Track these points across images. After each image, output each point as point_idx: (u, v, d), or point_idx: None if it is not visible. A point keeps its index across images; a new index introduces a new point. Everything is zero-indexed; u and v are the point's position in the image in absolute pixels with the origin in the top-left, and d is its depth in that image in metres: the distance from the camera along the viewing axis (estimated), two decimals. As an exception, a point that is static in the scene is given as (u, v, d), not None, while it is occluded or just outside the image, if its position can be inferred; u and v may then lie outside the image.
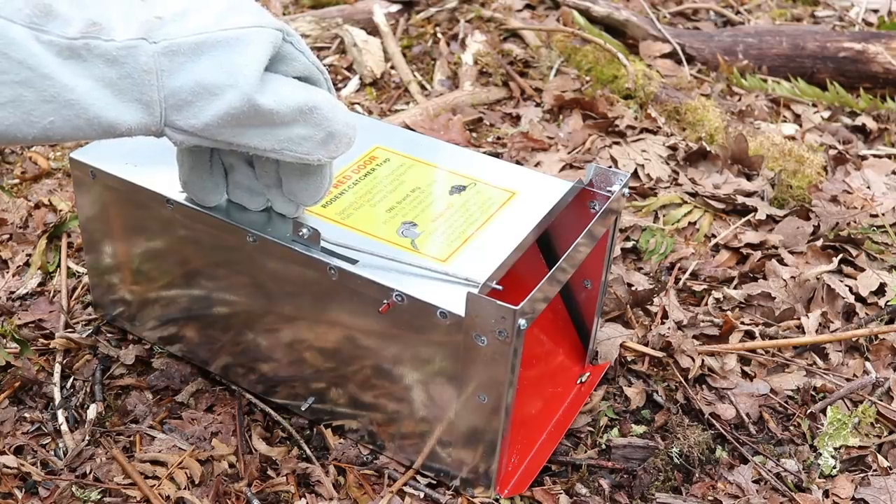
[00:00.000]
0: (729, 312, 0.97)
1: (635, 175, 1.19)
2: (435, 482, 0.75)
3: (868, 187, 1.21)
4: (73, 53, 0.53)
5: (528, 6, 1.65)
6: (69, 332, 0.89)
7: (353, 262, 0.67)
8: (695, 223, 1.12)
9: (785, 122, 1.38)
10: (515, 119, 1.33)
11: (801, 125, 1.37)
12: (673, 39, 1.50)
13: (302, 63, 0.60)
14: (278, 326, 0.75)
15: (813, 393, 0.87)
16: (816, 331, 0.95)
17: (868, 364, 0.92)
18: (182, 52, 0.55)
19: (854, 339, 0.94)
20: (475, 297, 0.61)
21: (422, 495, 0.74)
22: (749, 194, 1.15)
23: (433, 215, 0.72)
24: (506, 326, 0.61)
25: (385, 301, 0.66)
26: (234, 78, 0.56)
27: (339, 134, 0.61)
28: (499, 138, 1.27)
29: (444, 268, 0.67)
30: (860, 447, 0.82)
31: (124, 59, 0.54)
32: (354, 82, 1.40)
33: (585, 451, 0.80)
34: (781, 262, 1.05)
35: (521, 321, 0.61)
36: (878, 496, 0.77)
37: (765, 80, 1.47)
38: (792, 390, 0.88)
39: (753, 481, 0.78)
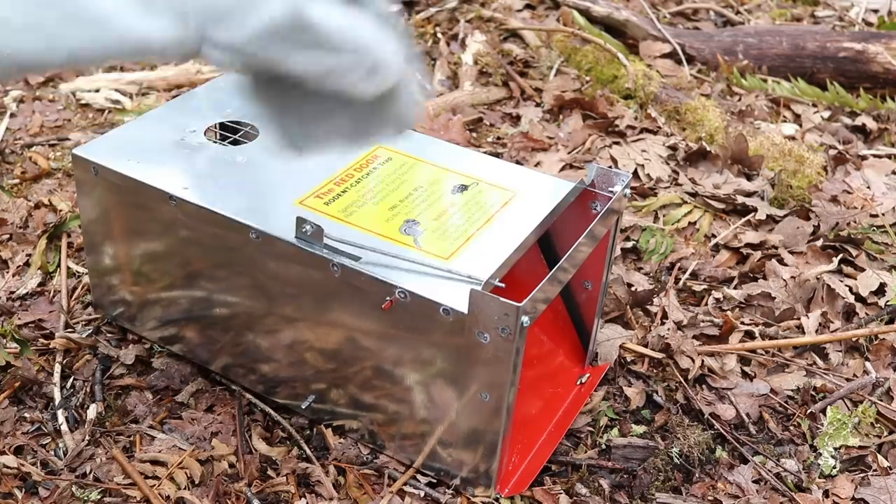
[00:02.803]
0: (729, 312, 0.97)
1: (635, 175, 1.19)
2: (435, 481, 0.75)
3: (868, 187, 1.21)
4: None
5: (528, 6, 1.65)
6: (69, 332, 0.89)
7: (356, 258, 0.67)
8: (695, 223, 1.12)
9: (785, 122, 1.38)
10: (515, 119, 1.33)
11: (801, 125, 1.37)
12: (673, 39, 1.50)
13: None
14: (280, 325, 0.75)
15: (813, 393, 0.87)
16: (816, 331, 0.95)
17: (868, 364, 0.92)
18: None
19: (854, 339, 0.94)
20: (479, 294, 0.61)
21: (422, 494, 0.74)
22: (749, 194, 1.16)
23: (435, 214, 0.72)
24: (509, 323, 0.61)
25: (388, 298, 0.66)
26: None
27: (384, 64, 0.55)
28: (499, 138, 1.27)
29: (447, 265, 0.67)
30: (860, 447, 0.82)
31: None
32: (354, 82, 1.40)
33: (585, 451, 0.80)
34: (781, 262, 1.05)
35: (524, 318, 0.61)
36: (878, 496, 0.77)
37: (765, 80, 1.47)
38: (792, 390, 0.88)
39: (753, 481, 0.78)
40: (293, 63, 0.53)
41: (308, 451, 0.77)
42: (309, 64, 0.53)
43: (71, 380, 0.84)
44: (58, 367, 0.85)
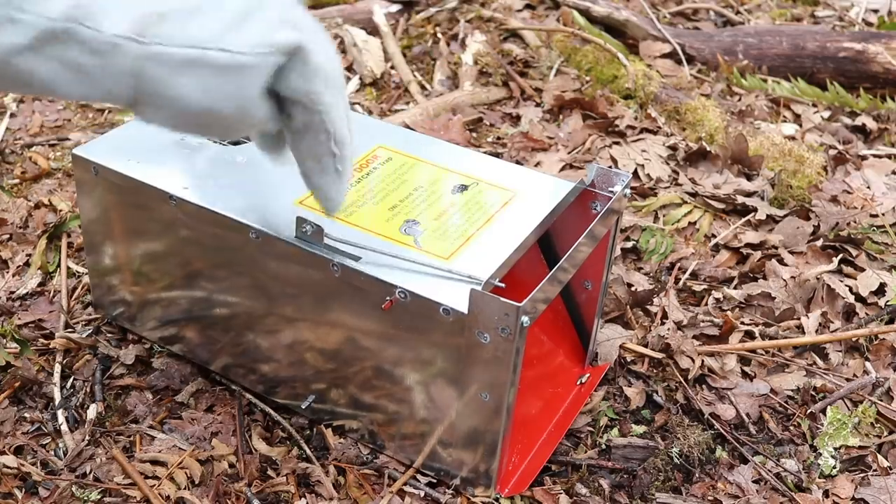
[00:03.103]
0: (729, 312, 0.97)
1: (635, 175, 1.19)
2: (435, 481, 0.75)
3: (868, 187, 1.21)
4: (51, 35, 0.47)
5: (528, 6, 1.65)
6: (69, 332, 0.89)
7: (357, 258, 0.67)
8: (695, 223, 1.12)
9: (785, 122, 1.38)
10: (515, 119, 1.33)
11: (801, 125, 1.37)
12: (673, 39, 1.50)
13: (294, 86, 0.55)
14: (280, 325, 0.75)
15: (813, 393, 0.87)
16: (816, 331, 0.95)
17: (868, 364, 0.92)
18: (170, 64, 0.50)
19: (854, 339, 0.94)
20: (479, 294, 0.61)
21: (422, 494, 0.74)
22: (749, 194, 1.16)
23: (435, 214, 0.72)
24: (509, 323, 0.61)
25: (388, 298, 0.66)
26: (216, 110, 0.52)
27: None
28: (499, 138, 1.27)
29: (447, 265, 0.67)
30: (860, 447, 0.82)
31: (104, 54, 0.49)
32: (354, 82, 1.40)
33: (585, 451, 0.80)
34: (781, 262, 1.05)
35: (524, 318, 0.61)
36: (878, 496, 0.77)
37: (765, 80, 1.47)
38: (792, 390, 0.88)
39: (753, 481, 0.78)
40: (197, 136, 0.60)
41: (308, 451, 0.77)
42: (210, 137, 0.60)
43: (71, 380, 0.84)
44: (58, 367, 0.85)
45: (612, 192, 0.76)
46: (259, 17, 0.52)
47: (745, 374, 0.90)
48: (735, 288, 1.02)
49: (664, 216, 1.12)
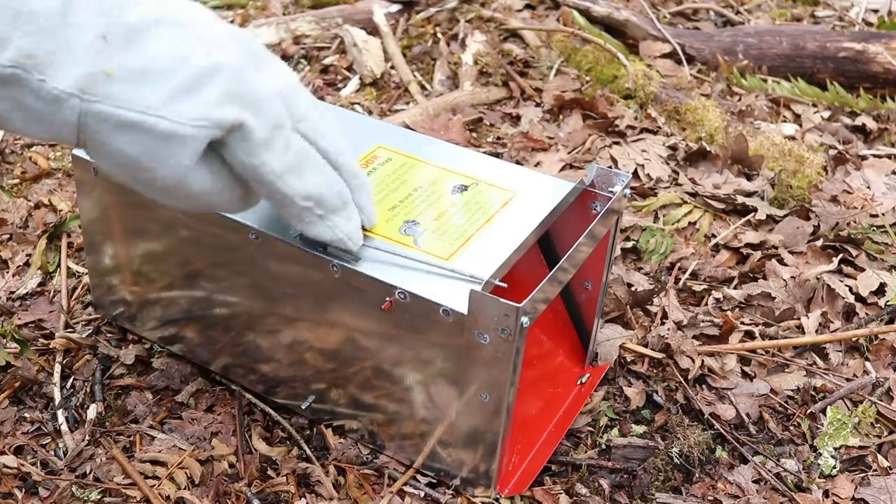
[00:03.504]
0: (729, 312, 0.97)
1: (635, 175, 1.19)
2: (435, 481, 0.75)
3: (868, 187, 1.21)
4: (1, 79, 0.49)
5: (528, 6, 1.65)
6: (69, 332, 0.89)
7: (356, 259, 0.67)
8: (695, 223, 1.12)
9: (785, 122, 1.38)
10: (515, 119, 1.33)
11: (801, 125, 1.37)
12: (673, 39, 1.50)
13: (238, 159, 0.57)
14: (280, 326, 0.75)
15: (813, 393, 0.87)
16: (816, 331, 0.95)
17: (868, 364, 0.92)
18: (111, 123, 0.52)
19: (854, 339, 0.94)
20: (478, 295, 0.61)
21: (422, 495, 0.74)
22: (749, 194, 1.16)
23: (435, 214, 0.72)
24: (508, 324, 0.61)
25: (388, 298, 0.66)
26: (152, 169, 0.54)
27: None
28: (499, 138, 1.27)
29: (447, 266, 0.67)
30: (860, 447, 0.82)
31: (51, 103, 0.51)
32: (354, 82, 1.40)
33: (585, 451, 0.80)
34: (781, 262, 1.05)
35: (524, 319, 0.61)
36: (878, 496, 0.77)
37: (765, 80, 1.47)
38: (792, 390, 0.88)
39: (753, 481, 0.78)
40: (148, 195, 0.59)
41: (308, 451, 0.77)
42: (163, 200, 0.59)
43: (71, 380, 0.84)
44: (58, 367, 0.85)
45: (612, 192, 0.76)
46: (207, 88, 0.53)
47: (745, 374, 0.90)
48: (735, 288, 1.02)
49: (664, 216, 1.12)
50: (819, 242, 1.08)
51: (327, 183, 0.62)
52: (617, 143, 1.25)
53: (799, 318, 0.97)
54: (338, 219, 0.63)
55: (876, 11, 1.80)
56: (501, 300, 0.60)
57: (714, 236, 1.10)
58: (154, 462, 0.76)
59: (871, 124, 1.37)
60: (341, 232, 0.64)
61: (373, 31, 1.51)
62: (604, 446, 0.80)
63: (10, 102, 0.51)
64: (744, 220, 1.12)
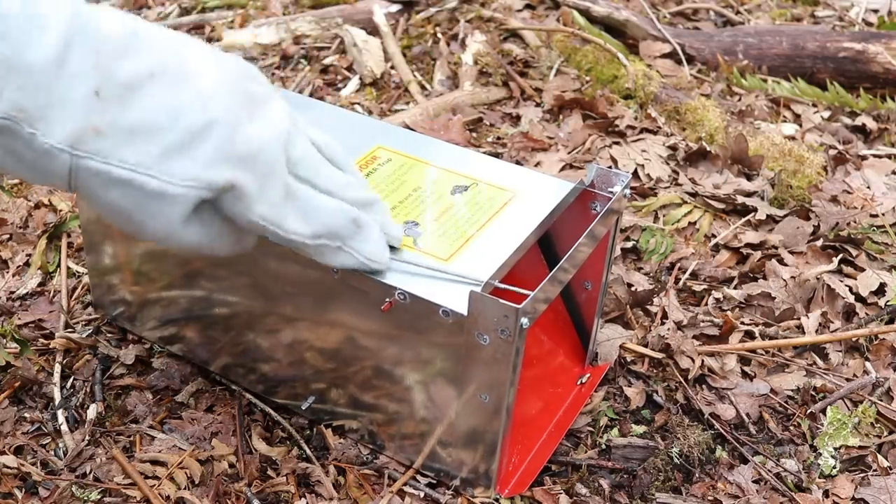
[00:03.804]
0: (729, 312, 0.97)
1: (635, 175, 1.19)
2: (435, 482, 0.75)
3: (868, 187, 1.21)
4: None
5: (528, 6, 1.65)
6: (69, 332, 0.89)
7: (384, 270, 0.67)
8: (695, 223, 1.12)
9: (785, 122, 1.38)
10: (515, 119, 1.33)
11: (801, 125, 1.37)
12: (673, 39, 1.50)
13: (234, 214, 0.57)
14: (280, 326, 0.75)
15: (813, 393, 0.87)
16: (816, 331, 0.95)
17: (868, 364, 0.92)
18: (102, 178, 0.52)
19: (854, 339, 0.94)
20: (478, 296, 0.61)
21: (422, 495, 0.74)
22: (749, 194, 1.16)
23: (435, 215, 0.72)
24: (508, 325, 0.61)
25: (387, 299, 0.66)
26: (143, 224, 0.55)
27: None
28: (499, 138, 1.27)
29: (447, 267, 0.67)
30: (860, 447, 0.82)
31: (42, 155, 0.51)
32: (354, 82, 1.40)
33: (585, 451, 0.80)
34: (781, 262, 1.05)
35: (524, 320, 0.61)
36: (878, 496, 0.77)
37: (765, 80, 1.47)
38: (792, 390, 0.88)
39: (753, 481, 0.78)
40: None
41: (308, 451, 0.77)
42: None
43: (71, 380, 0.84)
44: (58, 367, 0.85)
45: (611, 192, 0.76)
46: (199, 147, 0.53)
47: (745, 374, 0.90)
48: (735, 288, 1.02)
49: (664, 216, 1.12)
50: (819, 242, 1.08)
51: (334, 214, 0.61)
52: (617, 143, 1.25)
53: (799, 318, 0.97)
54: (356, 244, 0.63)
55: (876, 11, 1.79)
56: (501, 301, 0.60)
57: (714, 236, 1.10)
58: (154, 462, 0.76)
59: (871, 124, 1.37)
60: (362, 256, 0.64)
61: (373, 31, 1.51)
62: (604, 446, 0.80)
63: (2, 150, 0.51)
64: (744, 220, 1.12)
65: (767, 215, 1.12)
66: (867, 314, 0.98)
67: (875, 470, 0.80)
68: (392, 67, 1.44)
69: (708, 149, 1.22)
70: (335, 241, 0.62)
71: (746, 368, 0.90)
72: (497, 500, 0.73)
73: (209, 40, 1.51)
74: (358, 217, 0.63)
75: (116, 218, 0.56)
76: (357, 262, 0.64)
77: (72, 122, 0.50)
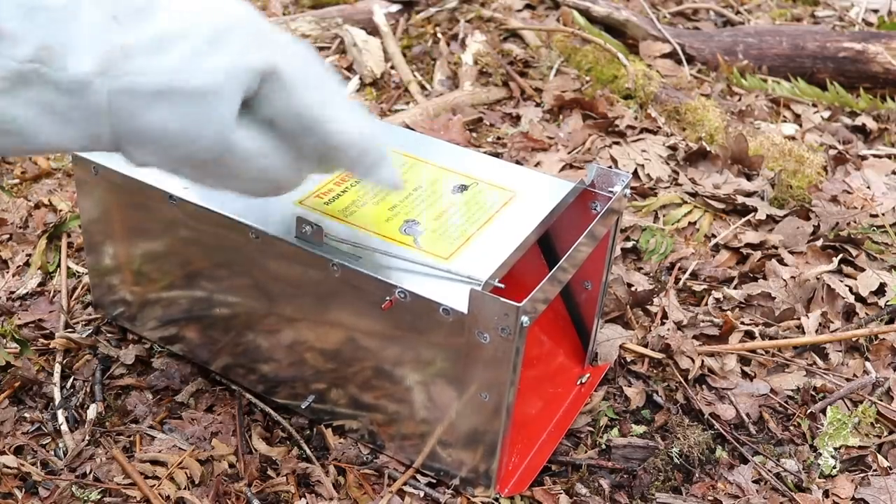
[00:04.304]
0: (729, 312, 0.97)
1: (635, 175, 1.19)
2: (435, 481, 0.75)
3: (868, 187, 1.21)
4: (22, 78, 0.48)
5: (528, 6, 1.65)
6: (69, 332, 0.89)
7: (356, 258, 0.67)
8: (695, 223, 1.12)
9: (785, 122, 1.38)
10: (515, 119, 1.33)
11: (801, 125, 1.37)
12: (673, 39, 1.50)
13: (279, 108, 0.55)
14: (280, 325, 0.75)
15: (813, 393, 0.87)
16: (816, 331, 0.95)
17: (868, 364, 0.92)
18: (142, 95, 0.50)
19: (854, 339, 0.94)
20: (478, 294, 0.61)
21: (422, 494, 0.74)
22: (749, 194, 1.16)
23: (435, 214, 0.72)
24: (509, 323, 0.61)
25: (388, 298, 0.66)
26: (195, 136, 0.52)
27: (280, 187, 0.59)
28: (499, 138, 1.27)
29: (447, 265, 0.67)
30: (860, 447, 0.82)
31: (76, 93, 0.49)
32: (354, 82, 1.40)
33: (585, 451, 0.80)
34: (781, 262, 1.05)
35: (524, 318, 0.61)
36: (878, 496, 0.77)
37: (765, 80, 1.47)
38: (792, 390, 0.88)
39: (753, 481, 0.78)
40: (198, 180, 0.57)
41: (308, 451, 0.77)
42: (214, 183, 0.57)
43: (71, 380, 0.84)
44: (58, 367, 0.85)
45: (611, 192, 0.76)
46: (229, 40, 0.52)
47: (745, 374, 0.90)
48: (735, 288, 1.02)
49: (664, 216, 1.12)
50: (819, 242, 1.08)
51: (371, 126, 0.59)
52: (617, 143, 1.25)
53: (799, 318, 0.97)
54: (385, 168, 0.61)
55: (876, 11, 1.80)
56: (502, 300, 0.60)
57: (714, 236, 1.10)
58: (154, 462, 0.76)
59: (871, 124, 1.37)
60: (394, 176, 0.62)
61: (373, 31, 1.51)
62: (604, 446, 0.80)
63: (35, 107, 0.49)
64: (744, 220, 1.12)
65: (767, 215, 1.12)
66: (867, 314, 0.98)
67: (875, 470, 0.80)
68: (392, 67, 1.44)
69: (708, 149, 1.23)
70: (370, 155, 0.59)
71: (746, 368, 0.90)
72: (497, 499, 0.73)
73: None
74: (381, 140, 0.60)
75: (168, 151, 0.53)
76: (394, 178, 0.61)
77: (98, 47, 0.49)
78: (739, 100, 1.42)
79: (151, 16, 0.52)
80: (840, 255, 1.06)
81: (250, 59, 0.52)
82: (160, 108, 0.51)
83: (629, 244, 1.07)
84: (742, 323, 0.96)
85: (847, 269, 1.05)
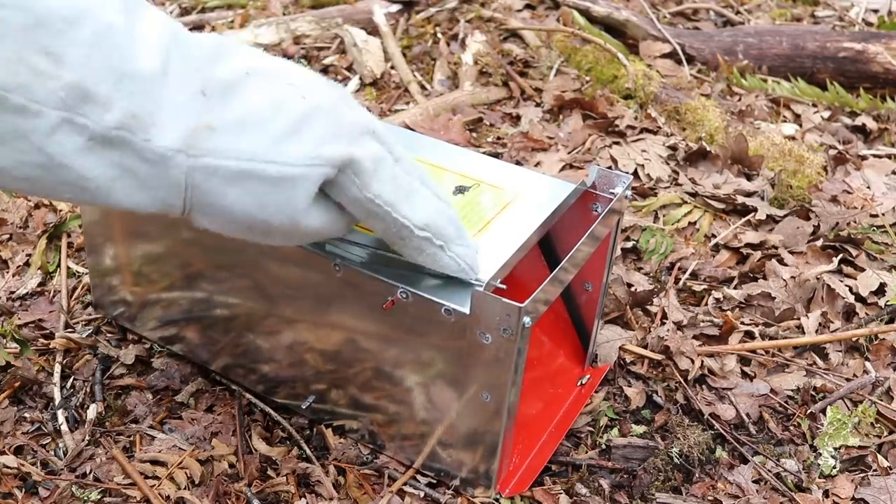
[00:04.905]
0: (729, 312, 0.97)
1: (635, 175, 1.19)
2: (435, 482, 0.75)
3: (868, 187, 1.21)
4: (107, 141, 0.49)
5: (528, 6, 1.65)
6: (69, 332, 0.89)
7: (358, 258, 0.67)
8: (695, 223, 1.12)
9: (785, 122, 1.38)
10: (515, 119, 1.33)
11: (801, 125, 1.37)
12: (673, 39, 1.50)
13: (352, 197, 0.57)
14: (280, 326, 0.75)
15: (813, 393, 0.87)
16: (816, 331, 0.95)
17: (868, 364, 0.92)
18: (221, 176, 0.52)
19: (854, 339, 0.94)
20: (481, 295, 0.61)
21: (422, 495, 0.74)
22: (749, 194, 1.16)
23: (435, 215, 0.72)
24: (511, 324, 0.61)
25: (389, 298, 0.66)
26: (268, 217, 0.54)
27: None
28: (499, 138, 1.27)
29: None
30: (860, 447, 0.82)
31: (156, 164, 0.50)
32: (354, 82, 1.40)
33: (586, 452, 0.80)
34: (781, 262, 1.05)
35: (526, 319, 0.61)
36: (878, 496, 0.77)
37: (765, 80, 1.47)
38: (792, 390, 0.88)
39: (753, 481, 0.78)
40: (253, 239, 0.58)
41: (308, 451, 0.77)
42: (268, 242, 0.59)
43: (71, 380, 0.84)
44: (58, 367, 0.85)
45: (612, 193, 0.76)
46: (310, 129, 0.54)
47: (744, 375, 0.90)
48: (735, 288, 1.02)
49: (664, 216, 1.12)
50: (819, 242, 1.08)
51: (439, 210, 0.61)
52: (617, 143, 1.25)
53: (799, 318, 0.97)
54: (458, 248, 0.62)
55: (876, 11, 1.80)
56: (504, 300, 0.60)
57: (714, 236, 1.10)
58: (154, 462, 0.76)
59: (871, 124, 1.37)
60: (463, 262, 0.63)
61: (373, 31, 1.51)
62: (604, 446, 0.80)
63: (115, 168, 0.50)
64: (744, 220, 1.12)
65: (767, 215, 1.12)
66: (867, 314, 0.98)
67: (875, 470, 0.80)
68: (392, 67, 1.44)
69: (708, 149, 1.23)
70: (438, 240, 0.61)
71: (746, 368, 0.90)
72: (497, 500, 0.73)
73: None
74: (456, 220, 0.62)
75: (237, 224, 0.55)
76: (458, 267, 0.63)
77: (184, 122, 0.50)
78: (739, 100, 1.42)
79: (239, 93, 0.53)
80: (840, 255, 1.06)
81: (330, 150, 0.54)
82: (237, 189, 0.52)
83: (629, 244, 1.07)
84: (742, 323, 0.96)
85: (847, 269, 1.05)
